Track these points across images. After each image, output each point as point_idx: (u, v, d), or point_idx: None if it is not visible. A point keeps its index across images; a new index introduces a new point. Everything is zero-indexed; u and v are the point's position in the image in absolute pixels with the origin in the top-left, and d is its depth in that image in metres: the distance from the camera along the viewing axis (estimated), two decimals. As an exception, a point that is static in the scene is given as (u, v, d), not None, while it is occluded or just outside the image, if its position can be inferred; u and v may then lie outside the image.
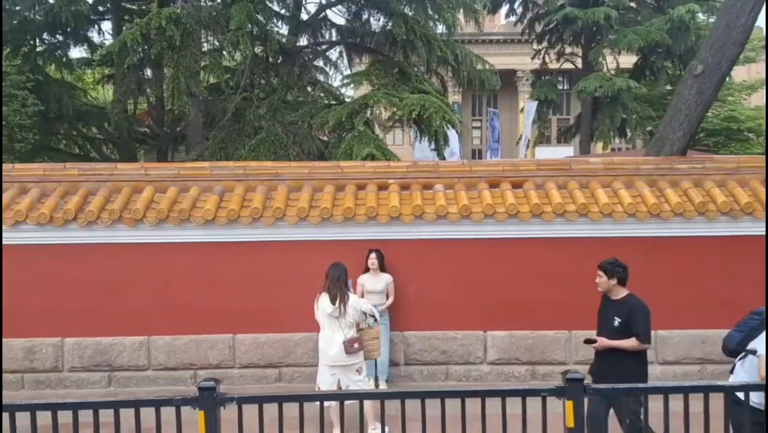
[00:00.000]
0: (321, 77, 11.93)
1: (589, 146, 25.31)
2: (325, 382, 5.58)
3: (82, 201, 7.11)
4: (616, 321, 4.88)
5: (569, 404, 3.36)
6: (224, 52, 10.17)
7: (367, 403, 5.39)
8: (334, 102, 9.83)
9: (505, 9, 25.10)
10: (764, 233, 6.81)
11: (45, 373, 7.13)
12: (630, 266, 7.28)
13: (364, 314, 5.63)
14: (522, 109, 28.51)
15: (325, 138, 12.24)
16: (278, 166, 7.56)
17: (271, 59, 10.24)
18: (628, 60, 24.05)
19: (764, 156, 7.78)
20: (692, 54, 21.27)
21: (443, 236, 7.09)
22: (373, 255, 6.81)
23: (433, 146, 9.75)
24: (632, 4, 22.60)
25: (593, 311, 7.26)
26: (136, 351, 7.20)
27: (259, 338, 7.25)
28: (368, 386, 6.04)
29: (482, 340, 7.24)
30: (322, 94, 11.28)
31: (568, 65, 25.27)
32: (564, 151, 28.37)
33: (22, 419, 3.35)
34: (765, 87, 21.49)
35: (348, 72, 14.31)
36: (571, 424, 3.36)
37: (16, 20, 16.57)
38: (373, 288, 6.86)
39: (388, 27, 10.16)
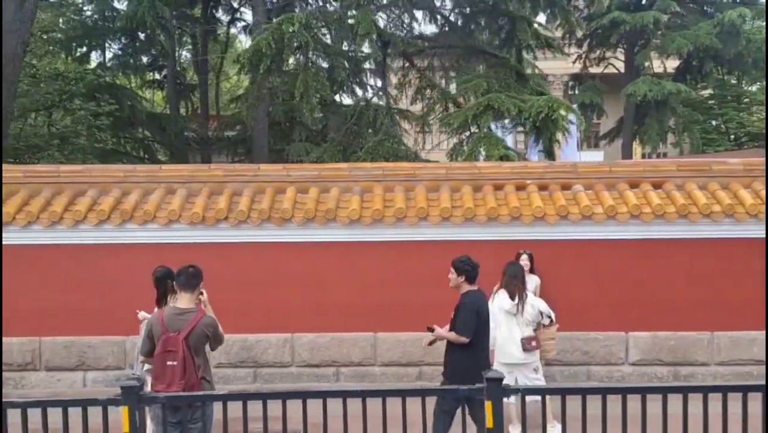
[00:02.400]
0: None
1: (631, 150, 25.25)
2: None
3: (229, 201, 7.26)
4: (453, 315, 5.08)
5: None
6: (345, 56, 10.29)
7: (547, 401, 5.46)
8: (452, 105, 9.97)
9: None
10: None
11: (193, 369, 7.26)
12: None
13: (541, 313, 5.69)
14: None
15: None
16: (415, 168, 7.66)
17: (393, 63, 10.39)
18: (668, 64, 23.98)
19: None
20: (741, 59, 21.27)
21: (586, 237, 7.13)
22: (524, 256, 6.85)
23: (540, 147, 9.79)
24: (677, 9, 22.53)
25: (735, 311, 7.30)
26: (280, 348, 7.32)
27: (399, 337, 7.33)
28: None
29: (624, 341, 7.27)
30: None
31: (598, 69, 25.13)
32: (595, 156, 28.26)
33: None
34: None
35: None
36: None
37: (90, 24, 16.92)
38: (520, 288, 6.90)
39: (504, 29, 10.27)
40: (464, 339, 4.94)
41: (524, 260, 6.85)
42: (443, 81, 11.35)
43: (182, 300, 4.22)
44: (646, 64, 22.39)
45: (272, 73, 9.51)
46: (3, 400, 3.48)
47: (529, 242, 7.10)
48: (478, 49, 10.45)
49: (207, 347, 4.29)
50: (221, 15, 18.85)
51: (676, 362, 7.22)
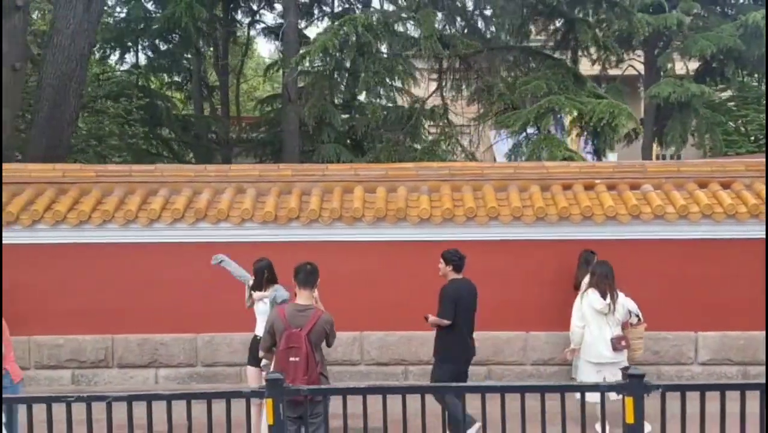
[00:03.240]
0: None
1: (651, 151, 25.20)
2: (590, 379, 5.66)
3: (299, 200, 7.31)
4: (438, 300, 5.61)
5: None
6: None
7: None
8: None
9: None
10: None
11: (263, 367, 7.31)
12: None
13: (629, 312, 5.71)
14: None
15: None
16: (483, 167, 7.69)
17: (449, 64, 10.46)
18: (687, 66, 23.90)
19: None
20: (764, 60, 21.19)
21: (657, 236, 7.15)
22: (595, 258, 6.85)
23: (589, 148, 9.81)
24: (698, 11, 22.45)
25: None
26: (349, 346, 7.36)
27: (468, 336, 7.34)
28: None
29: (693, 341, 7.28)
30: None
31: (611, 71, 25.07)
32: (609, 157, 28.12)
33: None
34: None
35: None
36: None
37: (123, 26, 17.00)
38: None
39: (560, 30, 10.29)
40: (446, 322, 5.52)
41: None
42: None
43: (301, 297, 4.27)
44: (668, 66, 22.40)
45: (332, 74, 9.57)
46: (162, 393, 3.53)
47: (600, 242, 7.11)
48: (534, 50, 10.49)
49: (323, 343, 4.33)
50: (240, 17, 18.94)
51: (746, 362, 7.23)
